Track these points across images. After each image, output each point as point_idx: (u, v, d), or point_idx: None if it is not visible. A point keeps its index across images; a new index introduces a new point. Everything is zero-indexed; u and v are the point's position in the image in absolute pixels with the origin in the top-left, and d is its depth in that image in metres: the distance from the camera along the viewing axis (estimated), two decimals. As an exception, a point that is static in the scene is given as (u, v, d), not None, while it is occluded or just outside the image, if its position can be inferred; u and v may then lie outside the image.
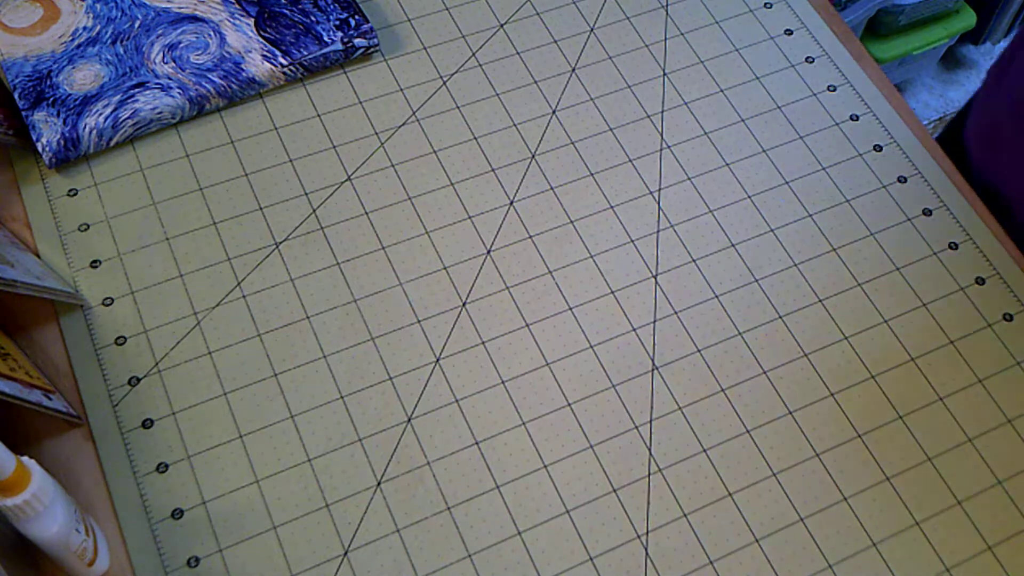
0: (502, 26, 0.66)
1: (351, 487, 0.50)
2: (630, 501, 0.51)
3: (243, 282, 0.55)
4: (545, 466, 0.51)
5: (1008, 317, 0.57)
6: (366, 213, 0.58)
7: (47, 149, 0.57)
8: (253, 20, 0.63)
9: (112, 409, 0.51)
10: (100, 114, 0.58)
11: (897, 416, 0.54)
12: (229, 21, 0.62)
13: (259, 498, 0.50)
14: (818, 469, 0.52)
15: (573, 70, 0.65)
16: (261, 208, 0.58)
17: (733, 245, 0.59)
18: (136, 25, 0.62)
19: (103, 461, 0.50)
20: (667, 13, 0.68)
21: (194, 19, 0.62)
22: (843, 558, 0.50)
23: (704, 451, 0.52)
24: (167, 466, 0.50)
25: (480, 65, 0.64)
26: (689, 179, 0.61)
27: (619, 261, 0.58)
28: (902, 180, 0.62)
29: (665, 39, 0.67)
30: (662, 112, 0.63)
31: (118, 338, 0.53)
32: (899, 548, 0.50)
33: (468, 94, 0.63)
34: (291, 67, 0.61)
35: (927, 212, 0.61)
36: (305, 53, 0.61)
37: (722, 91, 0.64)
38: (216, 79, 0.60)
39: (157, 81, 0.59)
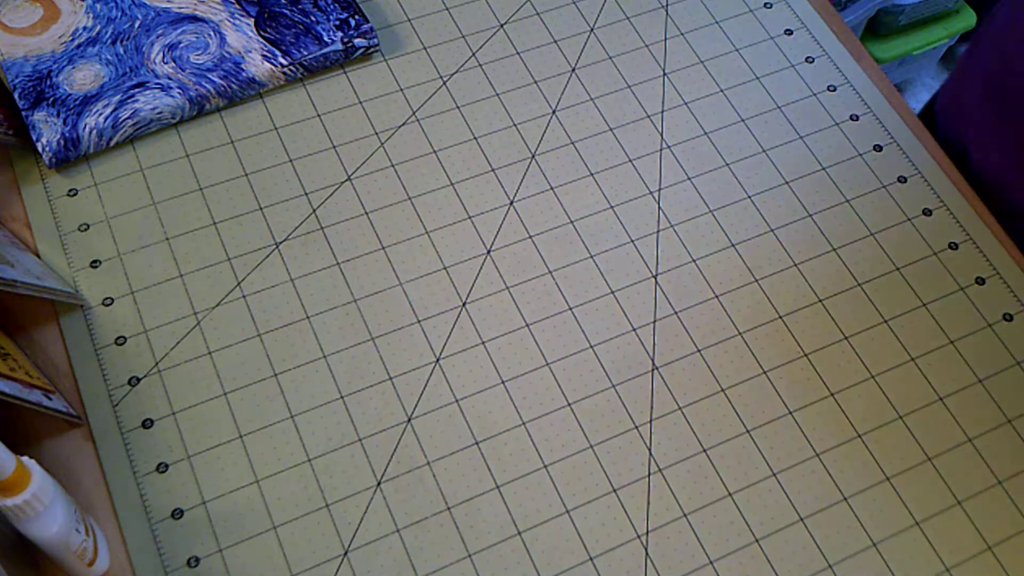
0: (502, 26, 0.66)
1: (351, 487, 0.50)
2: (630, 501, 0.51)
3: (243, 282, 0.55)
4: (545, 466, 0.51)
5: (1008, 317, 0.57)
6: (366, 213, 0.58)
7: (47, 149, 0.57)
8: (253, 20, 0.63)
9: (112, 409, 0.51)
10: (100, 114, 0.58)
11: (897, 416, 0.54)
12: (229, 21, 0.62)
13: (259, 498, 0.50)
14: (818, 469, 0.52)
15: (573, 70, 0.65)
16: (261, 208, 0.58)
17: (733, 245, 0.59)
18: (136, 25, 0.62)
19: (103, 461, 0.50)
20: (667, 13, 0.68)
21: (194, 19, 0.62)
22: (843, 558, 0.50)
23: (704, 451, 0.52)
24: (167, 466, 0.50)
25: (480, 65, 0.64)
26: (689, 179, 0.61)
27: (619, 261, 0.58)
28: (902, 180, 0.62)
29: (665, 39, 0.67)
30: (662, 112, 0.63)
31: (118, 338, 0.53)
32: (899, 548, 0.50)
33: (468, 94, 0.63)
34: (291, 67, 0.61)
35: (927, 212, 0.61)
36: (305, 53, 0.61)
37: (722, 91, 0.65)
38: (216, 79, 0.60)
39: (157, 81, 0.59)
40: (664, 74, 0.65)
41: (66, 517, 0.42)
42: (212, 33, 0.62)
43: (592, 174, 0.61)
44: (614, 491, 0.51)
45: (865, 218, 0.60)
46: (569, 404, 0.53)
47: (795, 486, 0.52)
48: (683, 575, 0.49)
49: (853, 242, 0.59)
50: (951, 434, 0.54)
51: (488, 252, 0.57)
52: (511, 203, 0.59)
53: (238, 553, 0.48)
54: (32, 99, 0.58)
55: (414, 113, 0.62)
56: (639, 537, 0.50)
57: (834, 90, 0.65)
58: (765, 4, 0.69)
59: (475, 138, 0.61)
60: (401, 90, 0.63)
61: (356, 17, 0.63)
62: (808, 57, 0.66)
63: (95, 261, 0.56)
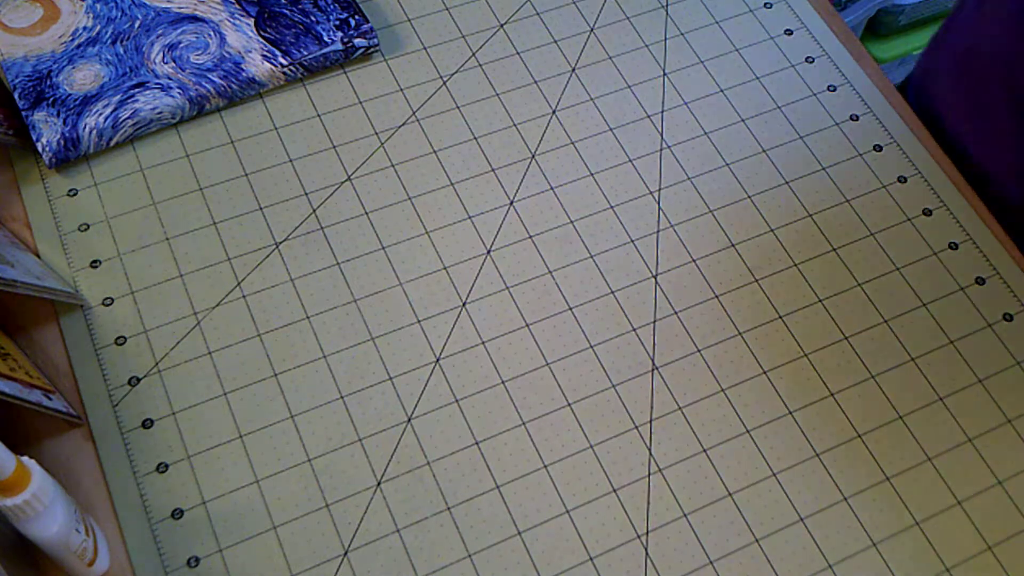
0: (502, 26, 0.66)
1: (351, 487, 0.50)
2: (630, 501, 0.51)
3: (243, 282, 0.55)
4: (545, 466, 0.51)
5: (1008, 317, 0.57)
6: (366, 213, 0.58)
7: (47, 149, 0.57)
8: (253, 20, 0.63)
9: (112, 409, 0.51)
10: (100, 114, 0.58)
11: (897, 416, 0.54)
12: (229, 21, 0.62)
13: (259, 498, 0.50)
14: (818, 469, 0.52)
15: (573, 70, 0.65)
16: (261, 208, 0.58)
17: (733, 245, 0.59)
18: (136, 25, 0.62)
19: (103, 461, 0.50)
20: (667, 13, 0.68)
21: (194, 19, 0.62)
22: (843, 558, 0.50)
23: (704, 451, 0.52)
24: (167, 466, 0.50)
25: (480, 65, 0.64)
26: (689, 179, 0.61)
27: (619, 261, 0.58)
28: (902, 180, 0.62)
29: (665, 39, 0.67)
30: (662, 112, 0.63)
31: (118, 338, 0.53)
32: (899, 548, 0.50)
33: (468, 94, 0.63)
34: (291, 67, 0.61)
35: (927, 212, 0.61)
36: (305, 53, 0.61)
37: (722, 91, 0.64)
38: (216, 79, 0.60)
39: (157, 81, 0.59)
40: (664, 74, 0.65)
41: (66, 517, 0.42)
42: (212, 33, 0.62)
43: (592, 174, 0.61)
44: (614, 491, 0.51)
45: (865, 218, 0.60)
46: (569, 404, 0.53)
47: (795, 486, 0.52)
48: (683, 575, 0.49)
49: (853, 242, 0.59)
50: (951, 434, 0.54)
51: (488, 252, 0.57)
52: (511, 203, 0.59)
53: (238, 553, 0.48)
54: (32, 99, 0.58)
55: (414, 113, 0.62)
56: (639, 537, 0.50)
57: (834, 90, 0.65)
58: (765, 4, 0.69)
59: (475, 138, 0.61)
60: (401, 90, 0.63)
61: (356, 17, 0.63)
62: (808, 57, 0.66)
63: (95, 261, 0.56)
